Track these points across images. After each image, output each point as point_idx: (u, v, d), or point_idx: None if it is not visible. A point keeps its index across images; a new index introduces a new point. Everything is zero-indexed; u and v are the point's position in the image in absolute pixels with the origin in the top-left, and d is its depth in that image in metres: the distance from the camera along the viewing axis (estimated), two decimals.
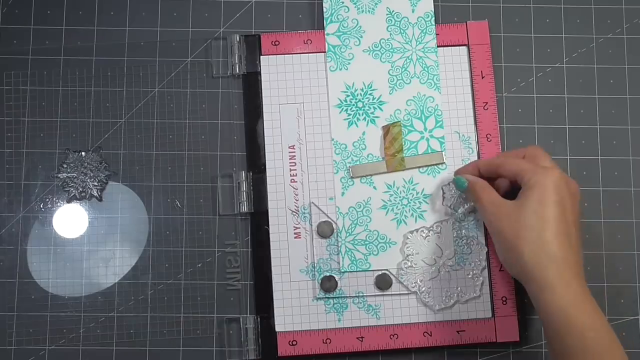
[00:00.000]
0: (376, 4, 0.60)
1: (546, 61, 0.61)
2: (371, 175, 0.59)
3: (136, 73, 0.60)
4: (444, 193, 0.58)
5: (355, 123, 0.59)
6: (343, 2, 0.60)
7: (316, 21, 0.61)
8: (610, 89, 0.61)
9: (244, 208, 0.58)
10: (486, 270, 0.58)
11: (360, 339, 0.57)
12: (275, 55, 0.60)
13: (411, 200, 0.59)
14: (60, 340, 0.58)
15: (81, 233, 0.59)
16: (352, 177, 0.59)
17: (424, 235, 0.58)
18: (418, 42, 0.60)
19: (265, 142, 0.59)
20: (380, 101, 0.60)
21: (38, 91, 0.60)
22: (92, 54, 0.60)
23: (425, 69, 0.60)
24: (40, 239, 0.58)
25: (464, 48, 0.60)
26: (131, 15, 0.61)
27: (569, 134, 0.61)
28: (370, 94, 0.60)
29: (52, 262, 0.58)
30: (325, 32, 0.60)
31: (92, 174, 0.59)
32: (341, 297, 0.58)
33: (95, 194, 0.59)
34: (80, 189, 0.59)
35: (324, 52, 0.60)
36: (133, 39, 0.61)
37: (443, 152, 0.59)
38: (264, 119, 0.59)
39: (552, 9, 0.62)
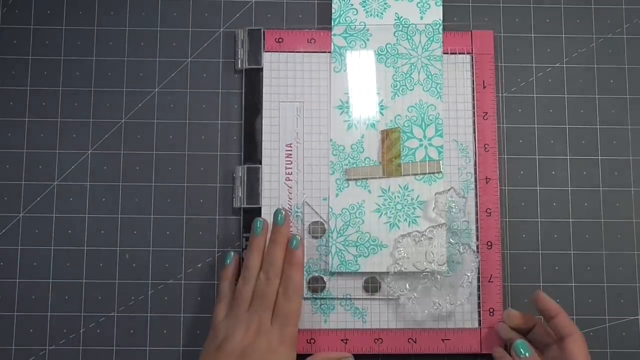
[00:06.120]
0: (385, 8, 0.60)
1: (546, 61, 0.61)
2: (367, 178, 0.59)
3: (136, 73, 0.60)
4: (436, 201, 0.58)
5: (355, 126, 0.59)
6: (352, 5, 0.60)
7: (316, 21, 0.61)
8: (610, 89, 0.61)
9: (238, 203, 0.58)
10: (476, 279, 0.58)
11: (345, 341, 0.57)
12: (278, 52, 0.60)
13: (405, 205, 0.58)
14: (60, 340, 0.58)
15: (81, 233, 0.59)
16: (347, 179, 0.58)
17: (416, 239, 0.57)
18: (424, 50, 0.60)
19: (263, 139, 0.59)
20: (382, 106, 0.59)
21: (38, 91, 0.60)
22: (92, 54, 0.60)
23: (430, 76, 0.60)
24: (40, 239, 0.58)
25: (468, 56, 0.60)
26: (131, 15, 0.61)
27: (569, 134, 0.61)
28: (372, 98, 0.59)
29: (52, 262, 0.58)
30: (332, 33, 0.60)
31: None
32: (328, 298, 0.58)
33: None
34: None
35: (327, 52, 0.60)
36: (133, 39, 0.61)
37: (440, 161, 0.59)
38: (263, 115, 0.59)
39: (552, 9, 0.62)
